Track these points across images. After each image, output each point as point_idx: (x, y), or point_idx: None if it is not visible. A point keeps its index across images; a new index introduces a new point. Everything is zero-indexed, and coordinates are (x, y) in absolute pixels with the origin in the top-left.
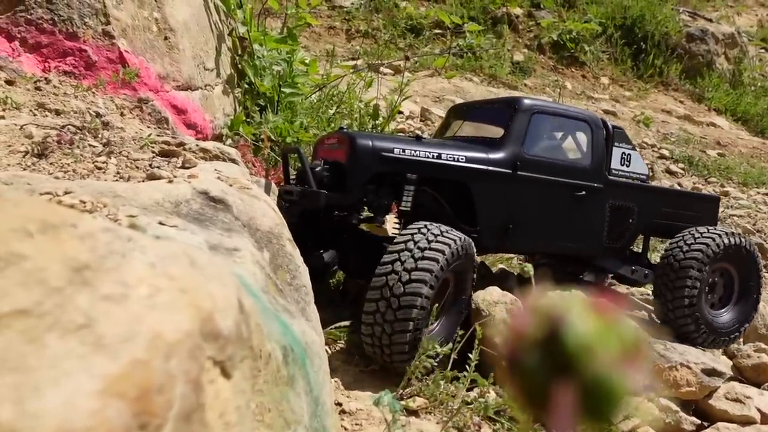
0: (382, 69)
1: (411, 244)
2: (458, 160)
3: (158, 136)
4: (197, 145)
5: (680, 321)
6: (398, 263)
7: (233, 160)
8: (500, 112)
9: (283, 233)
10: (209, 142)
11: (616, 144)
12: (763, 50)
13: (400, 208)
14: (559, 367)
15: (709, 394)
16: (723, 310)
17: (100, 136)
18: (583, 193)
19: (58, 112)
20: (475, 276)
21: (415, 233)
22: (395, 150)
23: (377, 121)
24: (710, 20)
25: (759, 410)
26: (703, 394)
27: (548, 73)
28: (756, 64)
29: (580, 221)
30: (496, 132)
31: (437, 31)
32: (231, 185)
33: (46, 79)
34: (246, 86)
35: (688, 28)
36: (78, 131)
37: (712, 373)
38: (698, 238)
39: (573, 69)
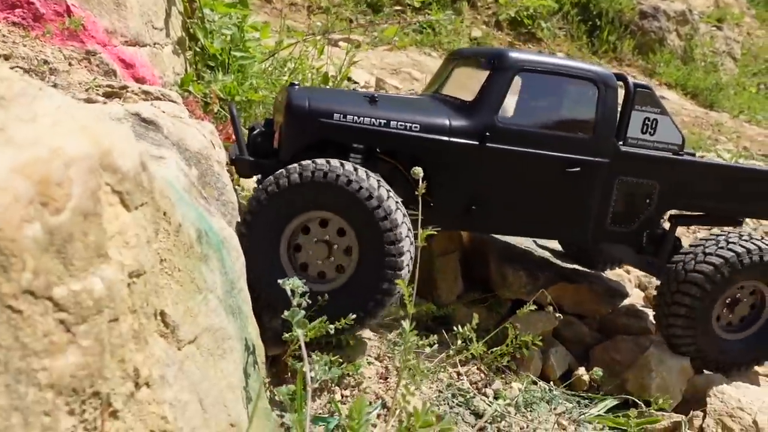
0: (339, 43)
1: None
2: (411, 129)
3: (103, 80)
4: (140, 88)
5: (671, 333)
6: None
7: (173, 101)
8: (481, 67)
9: (212, 155)
10: (152, 86)
11: (637, 107)
12: (714, 28)
13: None
14: None
15: (613, 312)
16: (740, 333)
17: (47, 79)
18: (578, 169)
19: (6, 57)
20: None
21: None
22: (335, 115)
23: (327, 87)
24: None
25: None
26: (606, 311)
27: None
28: (707, 41)
29: (572, 202)
30: (474, 91)
31: (397, 7)
32: (163, 112)
33: None
34: (197, 49)
35: (641, 5)
36: (25, 73)
37: (615, 294)
38: (724, 246)
39: (530, 45)
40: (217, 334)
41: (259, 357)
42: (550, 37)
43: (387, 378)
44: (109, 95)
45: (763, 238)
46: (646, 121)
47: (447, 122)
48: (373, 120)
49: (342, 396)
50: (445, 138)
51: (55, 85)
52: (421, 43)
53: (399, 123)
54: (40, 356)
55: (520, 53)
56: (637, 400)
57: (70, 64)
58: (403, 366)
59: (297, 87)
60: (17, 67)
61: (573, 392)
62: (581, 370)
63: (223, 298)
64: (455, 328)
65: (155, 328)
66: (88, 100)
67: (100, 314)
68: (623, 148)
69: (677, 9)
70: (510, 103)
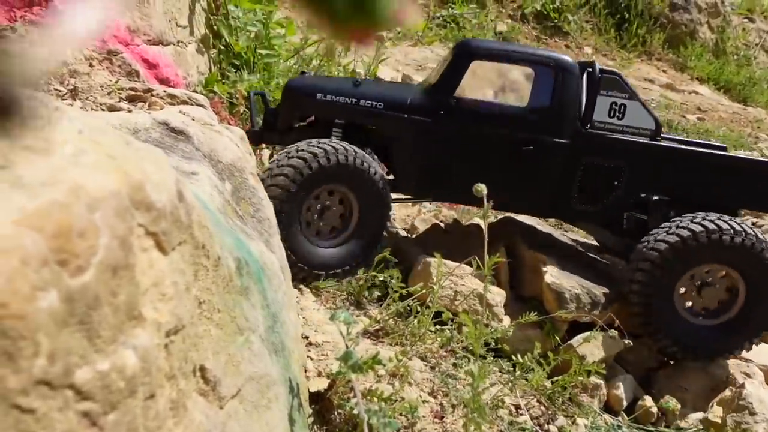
0: None
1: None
2: (376, 107)
3: (126, 83)
4: (165, 91)
5: (632, 312)
6: None
7: (201, 105)
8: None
9: (246, 167)
10: (177, 89)
11: (603, 92)
12: (746, 20)
13: None
14: None
15: None
16: (716, 319)
17: (66, 82)
18: (531, 148)
19: None
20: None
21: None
22: (318, 95)
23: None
24: None
25: None
26: None
27: (532, 44)
28: (739, 33)
29: (529, 178)
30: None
31: (421, 1)
32: (192, 119)
33: (11, 28)
34: (222, 47)
35: None
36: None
37: None
38: (686, 225)
39: (556, 39)
40: (262, 381)
41: (302, 395)
42: (577, 31)
43: (443, 417)
44: (132, 99)
45: (742, 222)
46: (614, 106)
47: (407, 101)
48: (346, 99)
49: None
50: (404, 115)
51: (75, 89)
52: (445, 38)
53: (366, 101)
54: None
55: (480, 42)
56: None
57: (90, 65)
58: (470, 421)
59: (306, 75)
60: None
61: (641, 426)
62: (648, 400)
63: (266, 336)
64: (513, 357)
65: (194, 387)
66: (112, 108)
67: (133, 396)
68: (588, 130)
69: (709, 0)
70: (476, 88)
